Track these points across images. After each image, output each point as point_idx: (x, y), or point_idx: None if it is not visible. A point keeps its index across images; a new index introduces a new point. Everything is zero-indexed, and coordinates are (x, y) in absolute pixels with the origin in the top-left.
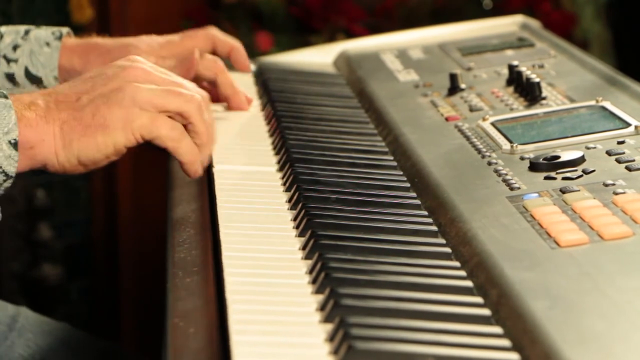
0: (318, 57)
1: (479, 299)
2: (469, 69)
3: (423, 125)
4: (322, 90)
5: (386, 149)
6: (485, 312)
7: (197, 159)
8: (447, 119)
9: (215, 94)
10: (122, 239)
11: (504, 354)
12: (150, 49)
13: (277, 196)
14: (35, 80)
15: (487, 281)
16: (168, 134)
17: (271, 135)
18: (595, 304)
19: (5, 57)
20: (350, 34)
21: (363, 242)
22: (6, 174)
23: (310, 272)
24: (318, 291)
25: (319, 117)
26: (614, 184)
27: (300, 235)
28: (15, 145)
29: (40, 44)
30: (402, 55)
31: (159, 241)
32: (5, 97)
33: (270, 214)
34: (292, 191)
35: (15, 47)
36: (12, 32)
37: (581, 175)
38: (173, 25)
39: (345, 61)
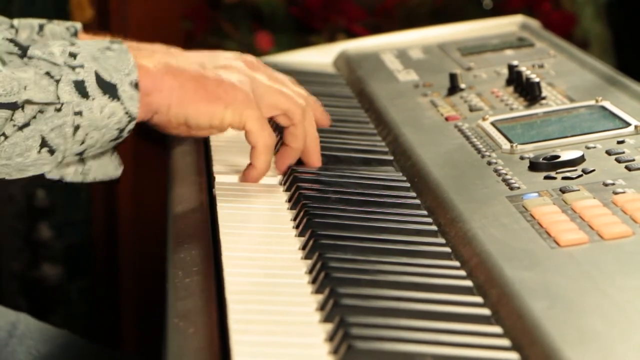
0: (318, 57)
1: (478, 299)
2: (469, 69)
3: (423, 125)
4: (322, 90)
5: (386, 149)
6: (485, 311)
7: (264, 172)
8: (447, 119)
9: None
10: (122, 239)
11: (503, 353)
12: None
13: (277, 196)
14: None
15: (486, 281)
16: (265, 140)
17: None
18: (595, 304)
19: None
20: (350, 34)
21: (363, 241)
22: (130, 115)
23: (310, 271)
24: (318, 291)
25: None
26: (613, 184)
27: (300, 235)
28: (136, 86)
29: (56, 40)
30: (402, 55)
31: (159, 241)
32: (120, 43)
33: (270, 213)
34: (292, 191)
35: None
36: (26, 26)
37: (581, 175)
38: (173, 25)
39: (345, 61)
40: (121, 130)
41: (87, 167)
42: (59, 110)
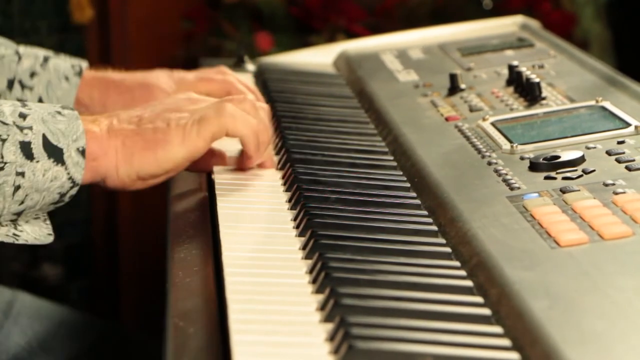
0: (318, 57)
1: (479, 299)
2: (469, 69)
3: (423, 125)
4: (322, 90)
5: (386, 149)
6: (486, 311)
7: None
8: (447, 119)
9: None
10: (122, 239)
11: (504, 353)
12: (168, 87)
13: (277, 196)
14: None
15: (487, 281)
16: (233, 110)
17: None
18: (595, 304)
19: (20, 82)
20: (350, 34)
21: (363, 241)
22: (73, 181)
23: (311, 271)
24: (318, 291)
25: (319, 117)
26: (614, 184)
27: (300, 235)
28: (82, 152)
29: (59, 77)
30: (402, 55)
31: (159, 241)
32: (72, 109)
33: (270, 213)
34: (292, 191)
35: (32, 74)
36: (31, 55)
37: (581, 175)
38: (173, 25)
39: (345, 61)
40: (62, 195)
41: (19, 229)
42: (1, 169)
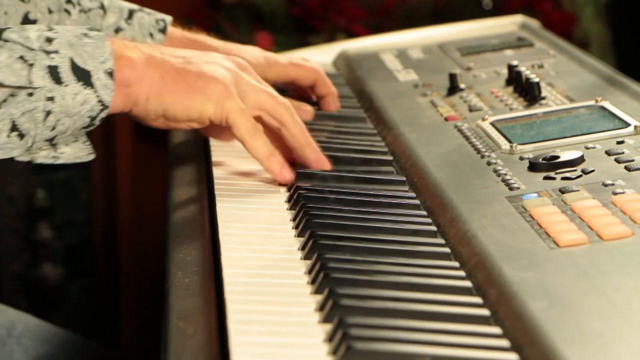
0: (318, 57)
1: (477, 299)
2: (469, 69)
3: (422, 125)
4: None
5: (385, 149)
6: (484, 312)
7: (273, 158)
8: (446, 119)
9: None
10: (122, 239)
11: (502, 354)
12: (257, 63)
13: (277, 196)
14: None
15: (486, 281)
16: (247, 127)
17: None
18: (594, 304)
19: None
20: (350, 34)
21: (362, 242)
22: (103, 103)
23: (309, 272)
24: (317, 291)
25: (319, 116)
26: (613, 184)
27: (300, 235)
28: (110, 74)
29: (144, 33)
30: (402, 55)
31: (159, 241)
32: (99, 31)
33: (269, 214)
34: (292, 191)
35: (117, 30)
36: (116, 9)
37: (580, 175)
38: (173, 25)
39: (345, 61)
40: (93, 118)
41: (59, 151)
42: (30, 94)
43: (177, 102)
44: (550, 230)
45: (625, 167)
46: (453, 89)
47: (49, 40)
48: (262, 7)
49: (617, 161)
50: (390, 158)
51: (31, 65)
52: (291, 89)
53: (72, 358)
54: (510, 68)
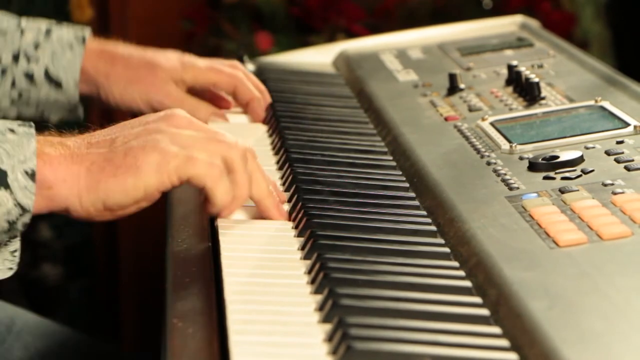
0: (318, 57)
1: (477, 299)
2: (468, 69)
3: (422, 125)
4: (322, 90)
5: (385, 149)
6: (484, 312)
7: (232, 206)
8: (446, 119)
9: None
10: (122, 239)
11: (502, 354)
12: (172, 70)
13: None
14: (54, 83)
15: (485, 281)
16: (206, 172)
17: (270, 135)
18: (594, 304)
19: (26, 54)
20: (350, 34)
21: (362, 242)
22: (22, 207)
23: (309, 272)
24: (317, 291)
25: (318, 117)
26: (612, 184)
27: (299, 235)
28: (32, 176)
29: (63, 46)
30: (402, 55)
31: (158, 241)
32: (30, 126)
33: None
34: (292, 191)
35: (36, 46)
36: (33, 28)
37: (580, 175)
38: (173, 25)
39: (345, 61)
40: (12, 223)
41: None
42: None
43: (113, 189)
44: (550, 230)
45: (625, 167)
46: (453, 89)
47: None
48: (262, 7)
49: (617, 161)
50: (390, 158)
51: None
52: (209, 96)
53: (72, 354)
54: (510, 68)
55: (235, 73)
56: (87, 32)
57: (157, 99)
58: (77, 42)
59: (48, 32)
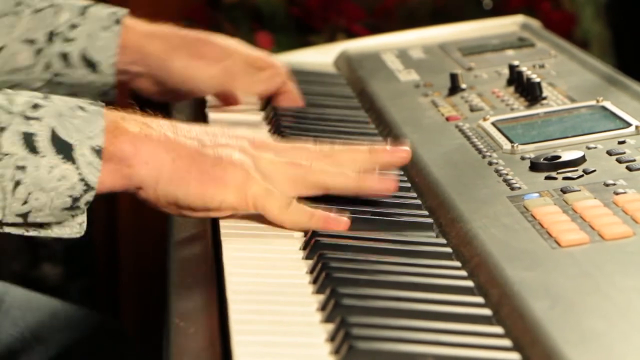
0: (318, 57)
1: (479, 299)
2: (470, 69)
3: (423, 125)
4: (323, 90)
5: None
6: (486, 312)
7: (314, 220)
8: (447, 119)
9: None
10: (122, 239)
11: (504, 353)
12: (240, 53)
13: None
14: (90, 64)
15: (487, 281)
16: (278, 206)
17: (271, 135)
18: (596, 304)
19: (61, 35)
20: (351, 34)
21: (364, 241)
22: (86, 183)
23: (311, 271)
24: (319, 291)
25: (320, 117)
26: (614, 184)
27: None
28: (99, 152)
29: (100, 26)
30: (403, 55)
31: (159, 241)
32: (101, 105)
33: None
34: None
35: (73, 26)
36: (68, 7)
37: (582, 175)
38: (173, 25)
39: (346, 61)
40: (75, 199)
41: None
42: None
43: (192, 192)
44: (551, 230)
45: (627, 167)
46: (454, 89)
47: (36, 106)
48: (262, 7)
49: (619, 161)
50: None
51: (2, 128)
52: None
53: (64, 325)
54: (512, 68)
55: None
56: (122, 11)
57: (220, 74)
58: (113, 22)
59: (84, 11)
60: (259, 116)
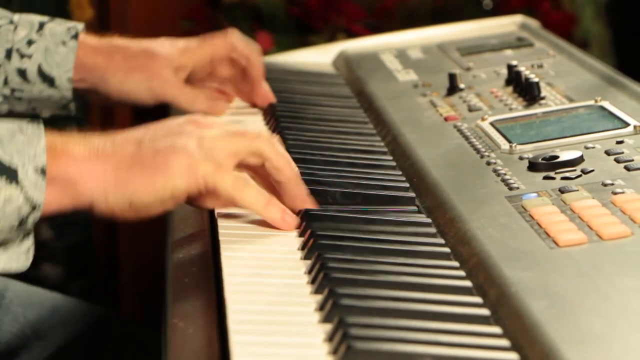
0: (318, 57)
1: (478, 299)
2: (468, 69)
3: (422, 125)
4: (322, 90)
5: (385, 149)
6: (485, 312)
7: (270, 206)
8: (446, 119)
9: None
10: (122, 239)
11: (503, 353)
12: (170, 57)
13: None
14: (47, 79)
15: (486, 281)
16: (231, 183)
17: None
18: (594, 304)
19: (18, 51)
20: (350, 34)
21: (362, 242)
22: (33, 204)
23: (310, 272)
24: (317, 291)
25: (318, 117)
26: (612, 184)
27: (300, 235)
28: (43, 172)
29: (56, 42)
30: (401, 55)
31: (158, 241)
32: (39, 125)
33: None
34: None
35: (29, 42)
36: (26, 23)
37: (580, 175)
38: (173, 25)
39: (345, 61)
40: (22, 219)
41: None
42: None
43: (141, 188)
44: (549, 230)
45: (625, 167)
46: (453, 89)
47: None
48: (262, 7)
49: (617, 161)
50: (390, 158)
51: None
52: (211, 78)
53: (65, 320)
54: (510, 68)
55: (228, 40)
56: (79, 27)
57: (158, 86)
58: (70, 37)
59: (41, 28)
60: (258, 116)
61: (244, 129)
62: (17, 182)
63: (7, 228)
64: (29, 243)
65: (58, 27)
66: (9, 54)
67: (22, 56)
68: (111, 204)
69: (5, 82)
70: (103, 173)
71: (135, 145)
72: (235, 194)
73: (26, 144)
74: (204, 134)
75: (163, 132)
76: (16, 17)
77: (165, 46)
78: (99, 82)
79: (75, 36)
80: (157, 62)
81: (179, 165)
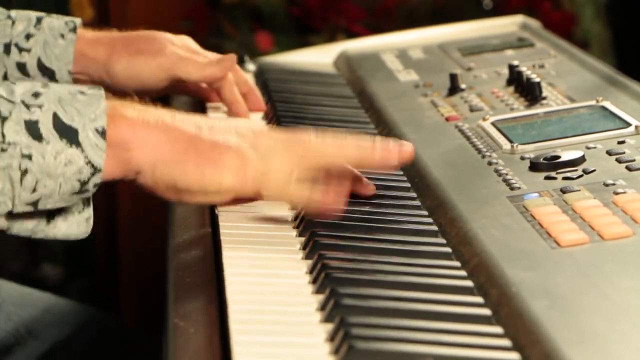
0: (318, 57)
1: (479, 299)
2: (469, 69)
3: (423, 125)
4: (322, 90)
5: None
6: (486, 312)
7: (312, 197)
8: (447, 119)
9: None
10: (122, 239)
11: (504, 353)
12: (170, 37)
13: None
14: (47, 72)
15: (487, 281)
16: (277, 185)
17: None
18: (595, 304)
19: (17, 45)
20: (351, 34)
21: (363, 241)
22: (93, 166)
23: (311, 271)
24: (318, 291)
25: (319, 117)
26: (614, 184)
27: (301, 235)
28: (103, 134)
29: (55, 35)
30: (402, 55)
31: (159, 241)
32: (100, 89)
33: (270, 214)
34: None
35: (28, 36)
36: (23, 18)
37: (581, 175)
38: (173, 25)
39: (345, 61)
40: (83, 183)
41: (50, 225)
42: (3, 150)
43: (190, 174)
44: (551, 230)
45: (626, 167)
46: (454, 89)
47: (36, 94)
48: (262, 7)
49: (618, 161)
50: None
51: (4, 118)
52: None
53: (58, 320)
54: (511, 68)
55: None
56: (77, 21)
57: (166, 62)
58: (68, 30)
59: (39, 22)
60: (258, 116)
61: (297, 137)
62: (77, 143)
63: (68, 192)
64: (89, 212)
65: (56, 21)
66: (7, 49)
67: (21, 50)
68: (157, 177)
69: (5, 76)
70: (157, 143)
71: (195, 128)
72: (281, 197)
73: (87, 104)
74: (261, 139)
75: (222, 127)
76: (13, 12)
77: (170, 34)
78: (102, 74)
79: (74, 29)
80: (158, 42)
81: (232, 163)
